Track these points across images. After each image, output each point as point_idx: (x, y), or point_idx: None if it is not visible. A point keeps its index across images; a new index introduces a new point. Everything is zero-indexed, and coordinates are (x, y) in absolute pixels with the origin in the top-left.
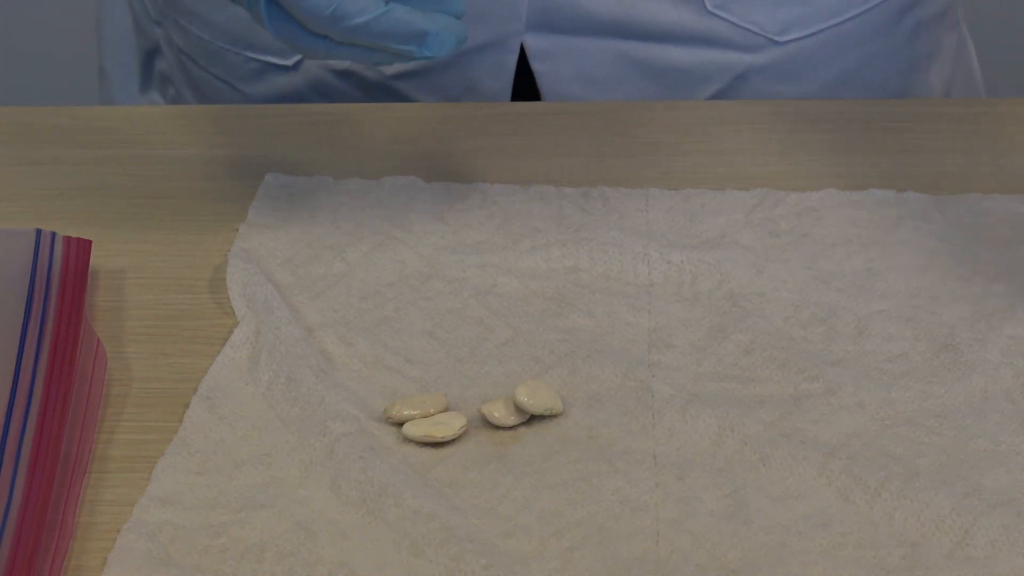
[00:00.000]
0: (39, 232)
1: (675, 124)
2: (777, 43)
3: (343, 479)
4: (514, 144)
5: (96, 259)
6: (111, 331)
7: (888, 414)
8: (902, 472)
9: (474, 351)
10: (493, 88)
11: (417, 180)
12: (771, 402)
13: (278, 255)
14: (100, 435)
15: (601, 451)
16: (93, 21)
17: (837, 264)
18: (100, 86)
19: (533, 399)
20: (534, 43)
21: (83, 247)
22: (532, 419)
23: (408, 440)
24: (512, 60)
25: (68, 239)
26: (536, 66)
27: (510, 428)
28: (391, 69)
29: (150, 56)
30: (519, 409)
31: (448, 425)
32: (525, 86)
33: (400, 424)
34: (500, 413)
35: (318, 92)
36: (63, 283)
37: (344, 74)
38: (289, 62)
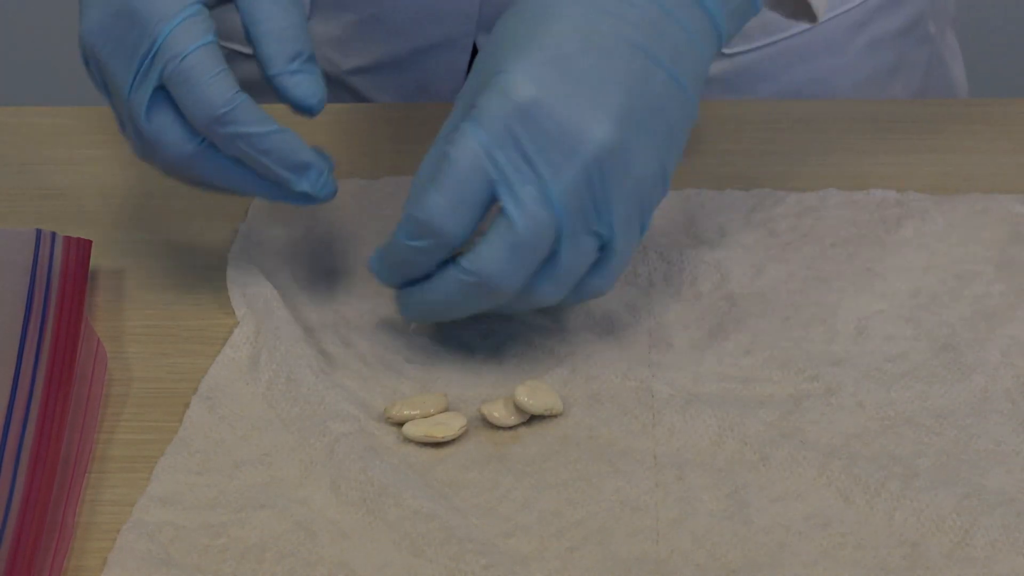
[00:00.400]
0: (39, 232)
1: None
2: (723, 55)
3: (343, 479)
4: None
5: (96, 259)
6: (111, 331)
7: (888, 414)
8: (902, 472)
9: (474, 351)
10: (446, 87)
11: None
12: (771, 402)
13: (278, 255)
14: (100, 435)
15: (601, 451)
16: None
17: (837, 264)
18: None
19: (533, 399)
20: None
21: (83, 247)
22: (532, 419)
23: (408, 440)
24: (464, 59)
25: (68, 239)
26: None
27: (510, 428)
28: (347, 63)
29: None
30: (519, 409)
31: (448, 425)
32: None
33: (400, 424)
34: (500, 413)
35: None
36: (63, 283)
37: None
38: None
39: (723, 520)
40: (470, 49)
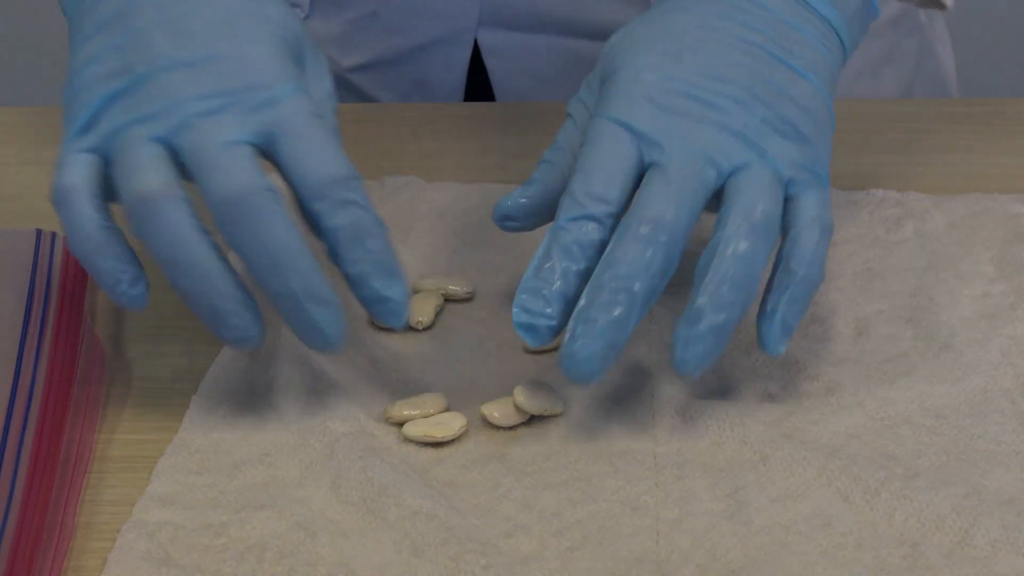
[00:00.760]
0: (39, 232)
1: None
2: None
3: (343, 479)
4: (514, 144)
5: None
6: (111, 331)
7: (888, 414)
8: (902, 472)
9: (474, 351)
10: (446, 83)
11: (418, 180)
12: (771, 402)
13: None
14: (100, 435)
15: (601, 451)
16: None
17: (837, 264)
18: None
19: (533, 399)
20: (487, 39)
21: None
22: (532, 419)
23: (408, 440)
24: (465, 56)
25: None
26: (489, 62)
27: (510, 428)
28: (348, 61)
29: None
30: (519, 409)
31: (448, 425)
32: (479, 82)
33: (400, 424)
34: (500, 413)
35: None
36: (63, 283)
37: None
38: None
39: (723, 520)
40: (471, 45)
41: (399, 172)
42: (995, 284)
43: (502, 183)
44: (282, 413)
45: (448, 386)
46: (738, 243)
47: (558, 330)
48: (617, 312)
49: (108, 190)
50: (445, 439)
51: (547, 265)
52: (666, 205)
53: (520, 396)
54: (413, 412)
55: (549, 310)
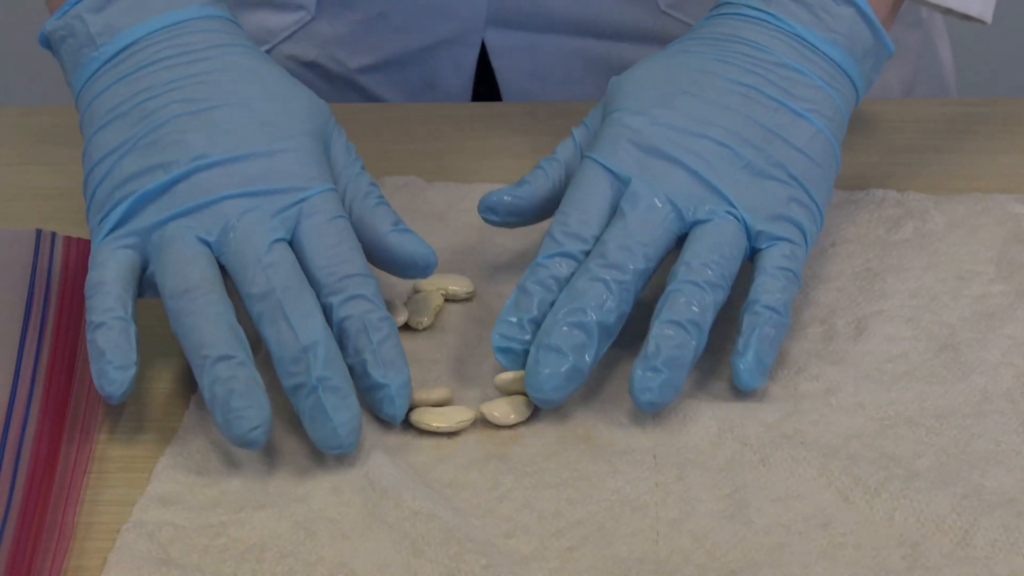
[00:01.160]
0: (39, 232)
1: None
2: None
3: (343, 480)
4: (514, 144)
5: None
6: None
7: (888, 414)
8: (902, 472)
9: (474, 351)
10: (454, 84)
11: (418, 180)
12: (771, 402)
13: None
14: (100, 435)
15: (601, 451)
16: None
17: (837, 264)
18: None
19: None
20: (494, 40)
21: (83, 247)
22: (532, 419)
23: (414, 426)
24: (473, 56)
25: (68, 239)
26: (496, 62)
27: (510, 428)
28: (355, 62)
29: None
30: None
31: (450, 417)
32: (486, 82)
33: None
34: (500, 413)
35: None
36: (63, 283)
37: (310, 65)
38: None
39: (723, 520)
40: (478, 46)
41: (399, 172)
42: (995, 284)
43: (502, 183)
44: (282, 413)
45: (448, 386)
46: (687, 296)
47: None
48: (574, 341)
49: (143, 285)
50: (448, 429)
51: (524, 296)
52: (623, 249)
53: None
54: (420, 395)
55: (525, 337)
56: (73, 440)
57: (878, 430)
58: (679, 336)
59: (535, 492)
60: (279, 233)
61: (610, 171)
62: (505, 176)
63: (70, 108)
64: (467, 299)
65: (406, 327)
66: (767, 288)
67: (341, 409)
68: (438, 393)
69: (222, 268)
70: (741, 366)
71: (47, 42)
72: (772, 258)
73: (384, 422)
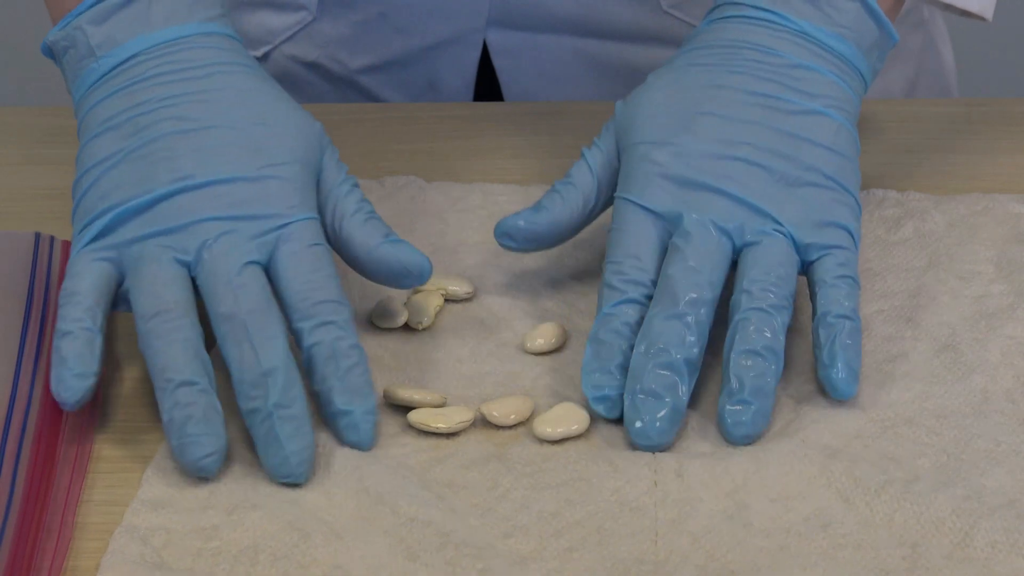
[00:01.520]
0: (38, 235)
1: None
2: None
3: (337, 487)
4: (514, 144)
5: None
6: (110, 331)
7: (888, 415)
8: (902, 473)
9: (474, 351)
10: (455, 84)
11: (418, 180)
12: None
13: None
14: (99, 435)
15: (601, 451)
16: None
17: None
18: None
19: (557, 427)
20: (496, 40)
21: None
22: (531, 419)
23: (411, 426)
24: (474, 56)
25: (67, 243)
26: (498, 62)
27: (510, 428)
28: (356, 62)
29: None
30: (542, 440)
31: (449, 417)
32: (487, 82)
33: (398, 405)
34: (500, 413)
35: (285, 83)
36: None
37: (311, 66)
38: (258, 52)
39: (722, 521)
40: (480, 46)
41: (399, 172)
42: (995, 284)
43: (502, 183)
44: None
45: (448, 386)
46: (756, 324)
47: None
48: (666, 382)
49: (119, 299)
50: (448, 430)
51: (602, 347)
52: (690, 284)
53: (543, 426)
54: (415, 396)
55: (616, 382)
56: (72, 440)
57: (878, 430)
58: (758, 365)
59: (534, 492)
60: (254, 256)
61: (649, 210)
62: (505, 176)
63: (71, 109)
64: (467, 299)
65: (406, 327)
66: (833, 298)
67: (294, 438)
68: (432, 397)
69: (199, 290)
70: (835, 377)
71: (50, 52)
72: (828, 268)
73: (382, 421)
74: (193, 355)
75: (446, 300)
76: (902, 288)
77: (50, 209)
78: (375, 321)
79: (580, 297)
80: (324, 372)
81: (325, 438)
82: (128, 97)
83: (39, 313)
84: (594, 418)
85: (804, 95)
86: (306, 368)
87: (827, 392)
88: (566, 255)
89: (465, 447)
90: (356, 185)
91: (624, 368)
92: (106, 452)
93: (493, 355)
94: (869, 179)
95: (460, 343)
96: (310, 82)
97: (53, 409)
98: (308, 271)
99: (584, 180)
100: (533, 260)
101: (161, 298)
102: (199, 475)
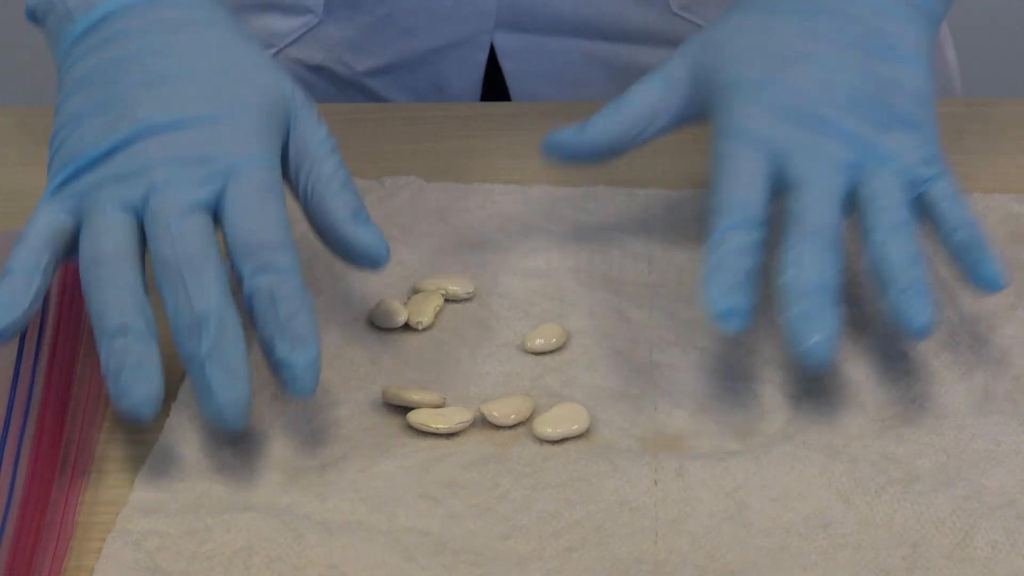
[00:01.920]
0: None
1: None
2: None
3: (332, 494)
4: (514, 144)
5: None
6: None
7: (888, 414)
8: (902, 473)
9: (474, 351)
10: (462, 86)
11: (418, 180)
12: (771, 402)
13: None
14: (100, 435)
15: (601, 451)
16: None
17: None
18: None
19: (557, 427)
20: (503, 42)
21: None
22: (531, 419)
23: (410, 427)
24: (482, 58)
25: None
26: (505, 65)
27: (510, 428)
28: (362, 64)
29: None
30: (542, 440)
31: (449, 418)
32: (495, 85)
33: (397, 405)
34: (500, 413)
35: None
36: (61, 284)
37: (317, 68)
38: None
39: (722, 521)
40: (487, 48)
41: (399, 172)
42: None
43: (503, 183)
44: (264, 418)
45: (448, 386)
46: (895, 239)
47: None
48: (828, 306)
49: (73, 248)
50: (447, 431)
51: (723, 267)
52: (823, 213)
53: (543, 426)
54: (414, 396)
55: (744, 297)
56: (73, 440)
57: (878, 430)
58: (914, 268)
59: (534, 492)
60: (200, 199)
61: (757, 144)
62: (505, 176)
63: None
64: (467, 299)
65: (406, 327)
66: (952, 213)
67: (227, 388)
68: (432, 398)
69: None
70: (987, 272)
71: (33, 17)
72: (940, 192)
73: (381, 421)
74: (130, 299)
75: (446, 300)
76: None
77: None
78: (375, 321)
79: (580, 297)
80: (264, 319)
81: (315, 464)
82: (99, 54)
83: (39, 313)
84: (594, 418)
85: (887, 45)
86: (248, 315)
87: (979, 288)
88: (566, 255)
89: (465, 447)
90: (336, 149)
91: (750, 285)
92: (112, 452)
93: (493, 355)
94: None
95: (460, 343)
96: (316, 85)
97: (53, 409)
98: (253, 213)
99: (648, 99)
100: (533, 260)
101: (101, 246)
102: (135, 422)
